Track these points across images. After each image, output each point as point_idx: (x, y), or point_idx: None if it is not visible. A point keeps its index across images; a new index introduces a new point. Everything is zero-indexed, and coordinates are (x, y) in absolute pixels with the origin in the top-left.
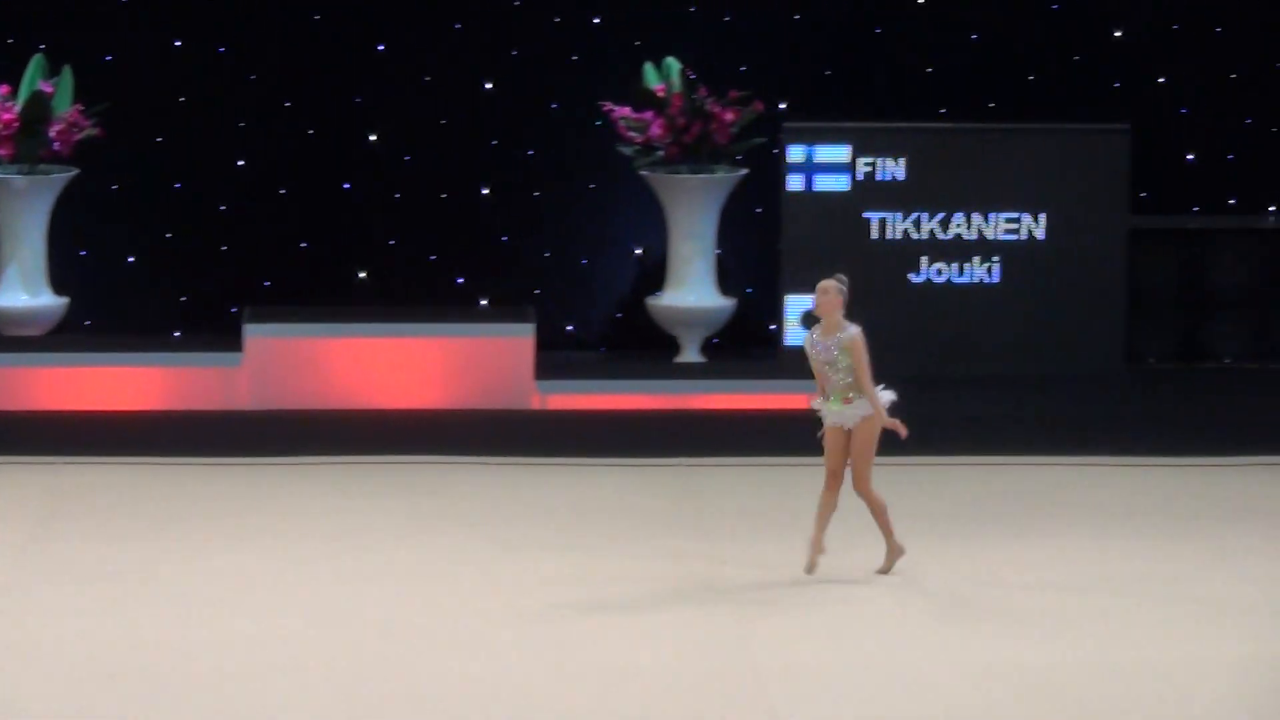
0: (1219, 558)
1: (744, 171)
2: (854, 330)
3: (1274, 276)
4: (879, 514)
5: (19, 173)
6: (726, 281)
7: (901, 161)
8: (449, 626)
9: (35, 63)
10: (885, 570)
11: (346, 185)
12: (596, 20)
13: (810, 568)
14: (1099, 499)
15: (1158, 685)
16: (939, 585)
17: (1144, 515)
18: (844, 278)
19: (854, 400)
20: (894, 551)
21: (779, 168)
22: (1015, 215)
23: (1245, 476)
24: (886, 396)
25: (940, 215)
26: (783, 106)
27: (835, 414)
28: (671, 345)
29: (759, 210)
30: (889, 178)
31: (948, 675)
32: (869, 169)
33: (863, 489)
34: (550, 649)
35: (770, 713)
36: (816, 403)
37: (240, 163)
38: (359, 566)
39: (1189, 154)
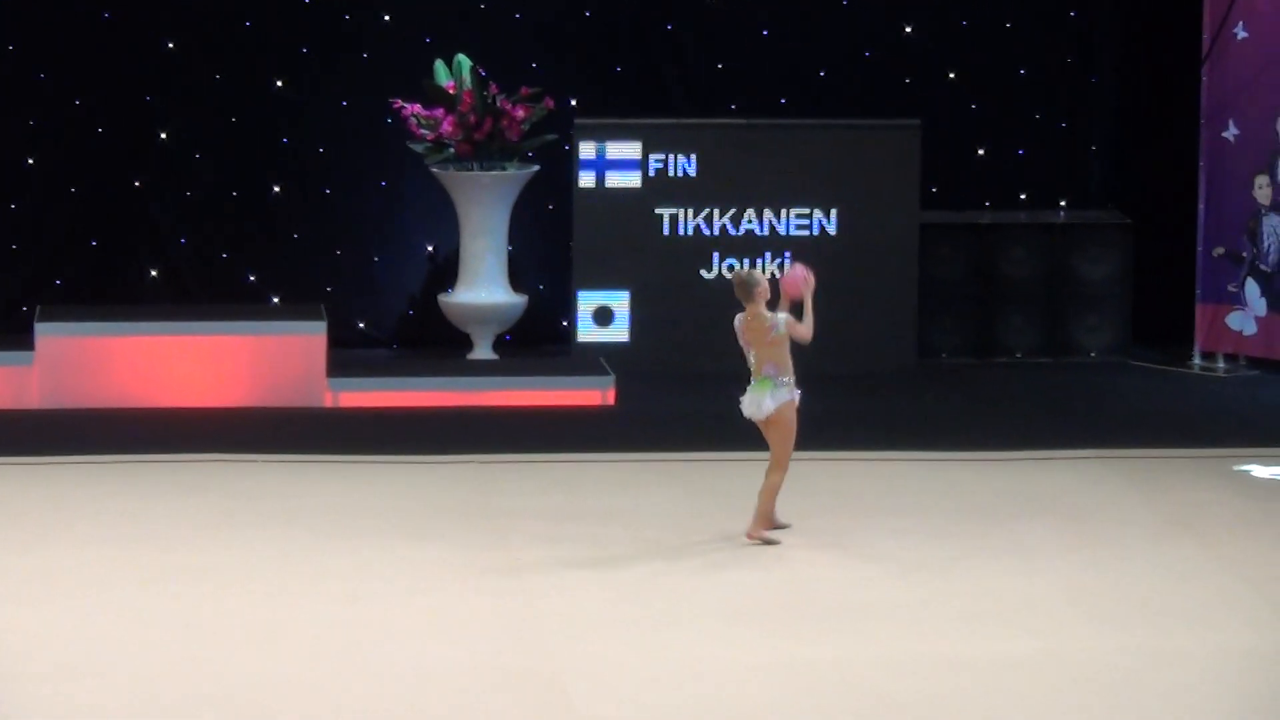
0: (1015, 552)
1: (535, 168)
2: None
3: (1065, 271)
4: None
5: None
6: (518, 278)
7: (693, 158)
8: (244, 625)
9: None
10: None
11: (137, 183)
12: (387, 18)
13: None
14: (894, 495)
15: (954, 680)
16: (737, 581)
17: (940, 511)
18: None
19: (775, 385)
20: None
21: (570, 164)
22: (806, 211)
23: (1038, 470)
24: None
25: (732, 211)
26: (574, 103)
27: (748, 403)
28: (464, 342)
29: (551, 207)
30: (680, 174)
31: (741, 670)
32: (660, 165)
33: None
34: (345, 647)
35: (567, 708)
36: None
37: (30, 161)
38: (154, 566)
39: (979, 149)
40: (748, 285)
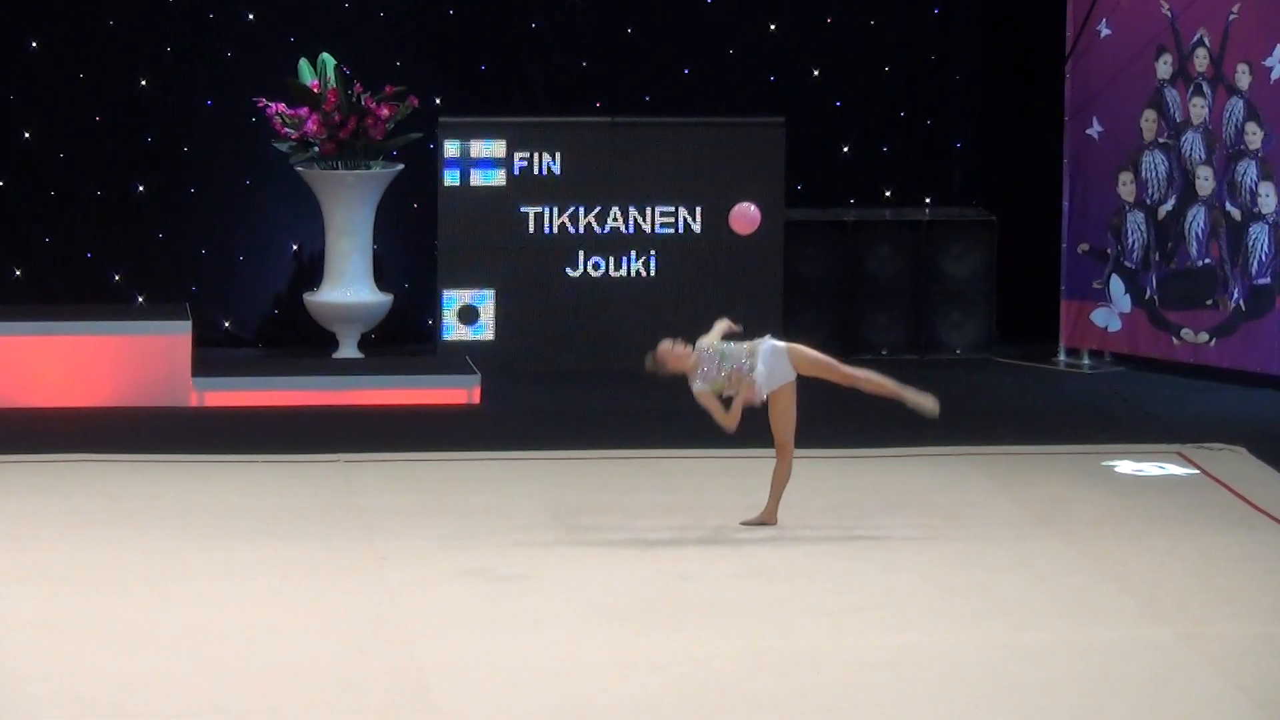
0: (878, 548)
1: (400, 167)
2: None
3: (930, 268)
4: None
5: None
6: (383, 277)
7: (557, 156)
8: (107, 624)
9: None
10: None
11: (0, 183)
12: (251, 16)
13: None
14: (758, 492)
15: (815, 676)
16: (601, 579)
17: (804, 508)
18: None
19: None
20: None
21: (435, 163)
22: (671, 209)
23: (902, 468)
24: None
25: (597, 209)
26: (438, 101)
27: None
28: (329, 341)
29: (415, 205)
30: (545, 172)
31: (603, 667)
32: (525, 164)
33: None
34: (208, 645)
35: (432, 708)
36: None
37: None
38: (15, 565)
39: (844, 147)
40: (660, 363)
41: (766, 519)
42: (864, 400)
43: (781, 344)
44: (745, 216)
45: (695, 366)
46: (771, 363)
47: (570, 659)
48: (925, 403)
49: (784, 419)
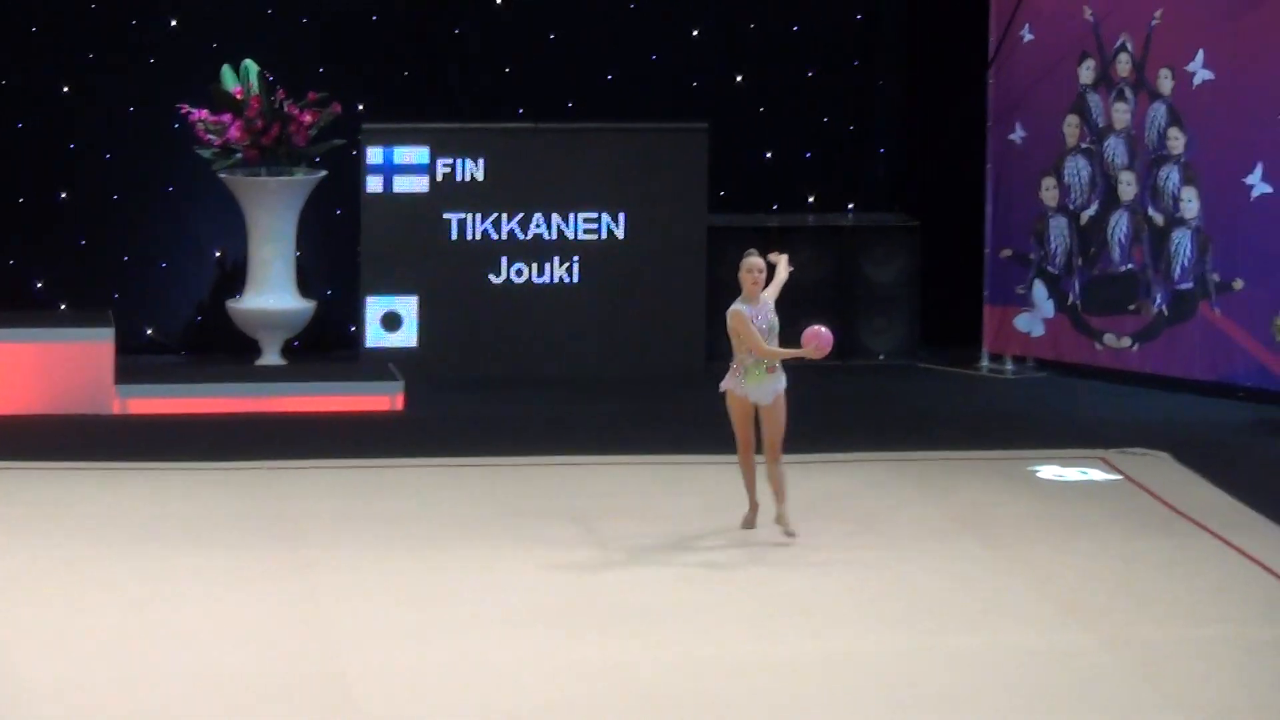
0: (802, 554)
1: (323, 173)
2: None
3: (853, 274)
4: (779, 483)
5: None
6: (306, 284)
7: (480, 162)
8: (30, 632)
9: None
10: (786, 528)
11: None
12: (174, 23)
13: (747, 523)
14: (682, 497)
15: (741, 682)
16: (524, 584)
17: (728, 513)
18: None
19: (777, 370)
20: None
21: (358, 169)
22: (595, 215)
23: (826, 473)
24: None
25: (520, 215)
26: (361, 108)
27: (756, 390)
28: (252, 348)
29: (339, 212)
30: (468, 178)
31: (527, 673)
32: (448, 169)
33: (776, 459)
34: (132, 652)
35: (358, 715)
36: (731, 383)
37: None
38: None
39: (767, 152)
40: (751, 267)
41: (785, 525)
42: (790, 406)
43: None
44: (819, 338)
45: (757, 302)
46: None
47: (496, 666)
48: (790, 526)
49: (779, 424)
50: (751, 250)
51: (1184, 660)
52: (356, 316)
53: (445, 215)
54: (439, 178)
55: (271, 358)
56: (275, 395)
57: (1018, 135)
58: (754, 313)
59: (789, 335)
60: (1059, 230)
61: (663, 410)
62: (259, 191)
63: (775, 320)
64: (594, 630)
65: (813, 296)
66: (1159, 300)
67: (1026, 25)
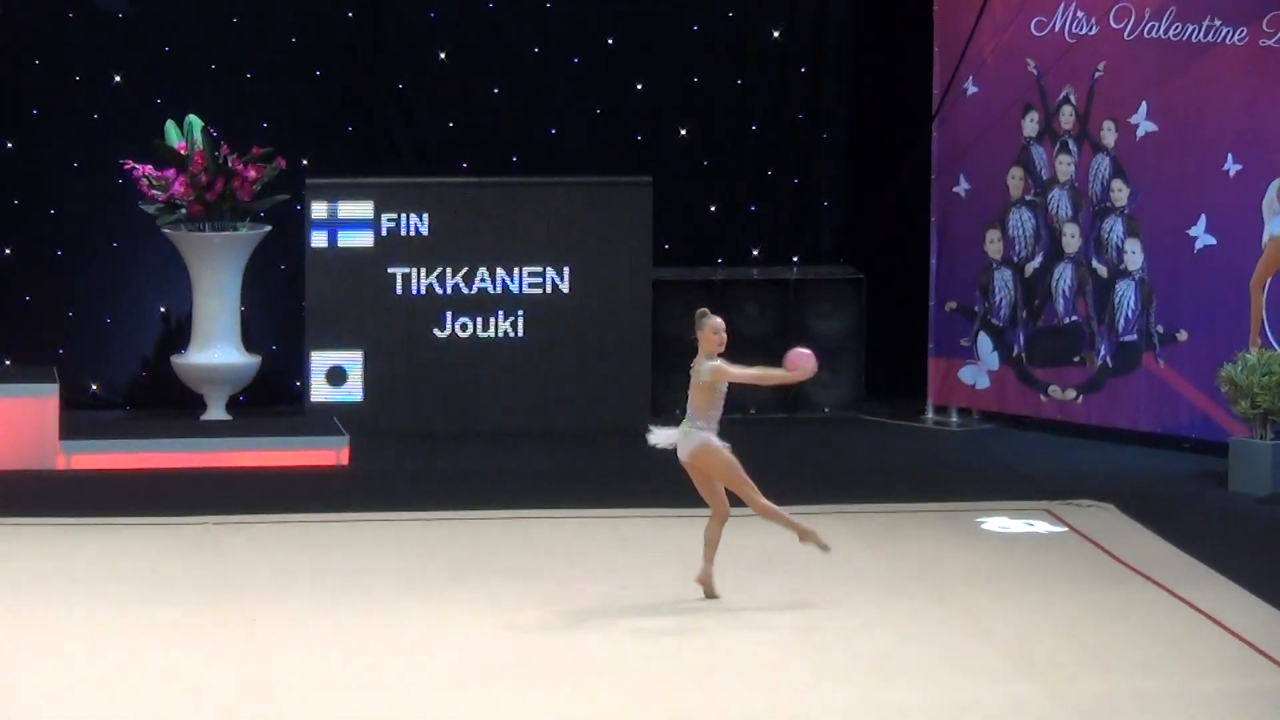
0: (745, 608)
1: (267, 228)
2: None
3: (798, 326)
4: (780, 518)
5: None
6: (251, 339)
7: (425, 217)
8: None
9: None
10: (818, 543)
11: None
12: (117, 78)
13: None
14: (624, 551)
15: None
16: (467, 641)
17: (669, 567)
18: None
19: (690, 430)
20: (806, 534)
21: (303, 224)
22: (539, 269)
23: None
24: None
25: (464, 270)
26: (305, 163)
27: (667, 440)
28: (197, 403)
29: (283, 267)
30: (413, 233)
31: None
32: (392, 225)
33: (758, 509)
34: (73, 709)
35: None
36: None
37: None
38: None
39: (711, 206)
40: (698, 322)
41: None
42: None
43: (703, 441)
44: (801, 361)
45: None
46: (682, 438)
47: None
48: (820, 541)
49: (723, 473)
50: (705, 310)
51: (1130, 712)
52: (301, 371)
53: (390, 270)
54: (383, 232)
55: (216, 413)
56: (220, 450)
57: (962, 188)
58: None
59: (730, 395)
60: (1003, 282)
61: (607, 464)
62: (203, 246)
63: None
64: (540, 685)
65: (758, 349)
66: (1103, 352)
67: (970, 78)
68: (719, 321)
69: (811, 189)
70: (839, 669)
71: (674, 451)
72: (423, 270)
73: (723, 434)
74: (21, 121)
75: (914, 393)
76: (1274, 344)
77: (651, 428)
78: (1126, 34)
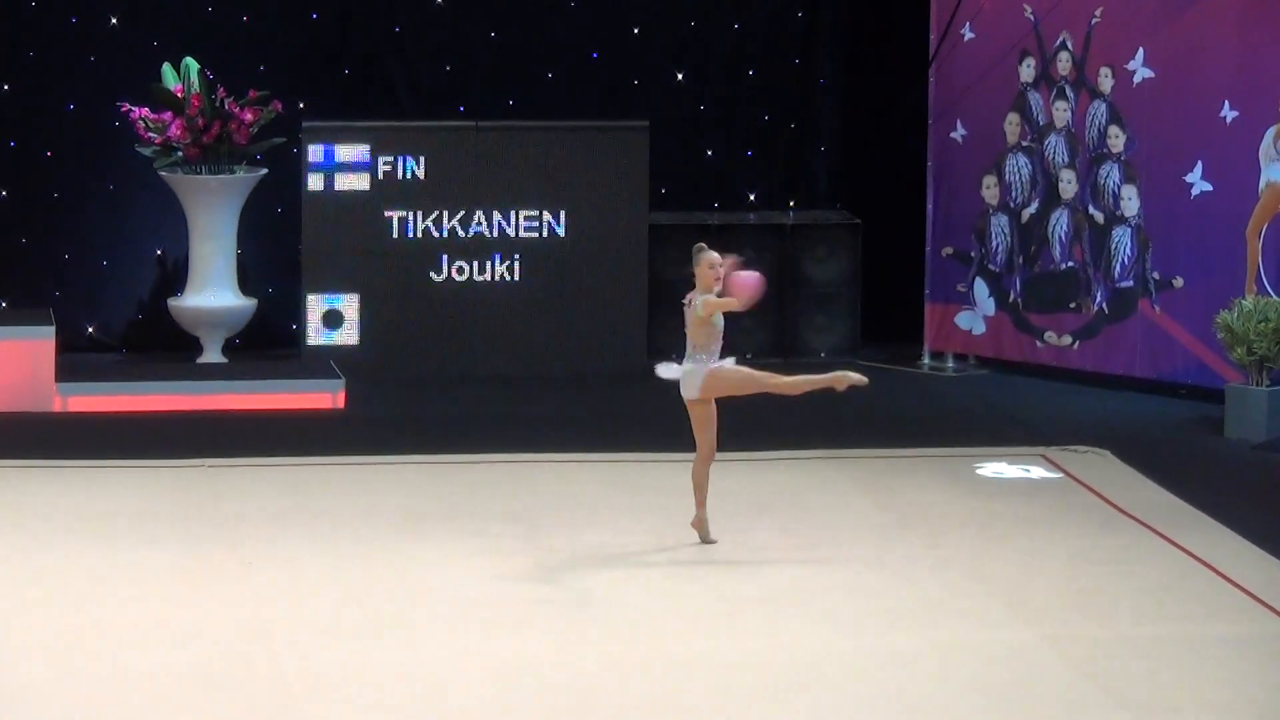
0: (741, 552)
1: (264, 171)
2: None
3: (794, 272)
4: (808, 384)
5: None
6: (247, 282)
7: (421, 160)
8: None
9: None
10: (854, 382)
11: None
12: (114, 21)
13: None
14: (622, 495)
15: (681, 680)
16: (466, 582)
17: (667, 511)
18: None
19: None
20: (840, 380)
21: (299, 167)
22: (535, 213)
23: (766, 471)
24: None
25: (460, 213)
26: (301, 106)
27: (673, 374)
28: (193, 346)
29: (279, 210)
30: (409, 176)
31: (469, 671)
32: (389, 168)
33: (787, 387)
34: (70, 652)
35: (294, 711)
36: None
37: None
38: None
39: (708, 150)
40: (695, 256)
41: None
42: (724, 403)
43: (708, 370)
44: (745, 284)
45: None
46: (685, 375)
47: (436, 663)
48: (854, 378)
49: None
50: (703, 245)
51: (1127, 658)
52: (298, 314)
53: (386, 213)
54: (380, 176)
55: (212, 356)
56: (216, 393)
57: (958, 133)
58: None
59: (726, 340)
60: (1000, 228)
61: (604, 408)
62: (200, 190)
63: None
64: (537, 628)
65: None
66: (1099, 298)
67: (967, 23)
68: (715, 256)
69: (808, 134)
70: (836, 614)
71: (675, 393)
72: (419, 213)
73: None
74: (18, 64)
75: (910, 338)
76: (1270, 290)
77: (659, 363)
78: None
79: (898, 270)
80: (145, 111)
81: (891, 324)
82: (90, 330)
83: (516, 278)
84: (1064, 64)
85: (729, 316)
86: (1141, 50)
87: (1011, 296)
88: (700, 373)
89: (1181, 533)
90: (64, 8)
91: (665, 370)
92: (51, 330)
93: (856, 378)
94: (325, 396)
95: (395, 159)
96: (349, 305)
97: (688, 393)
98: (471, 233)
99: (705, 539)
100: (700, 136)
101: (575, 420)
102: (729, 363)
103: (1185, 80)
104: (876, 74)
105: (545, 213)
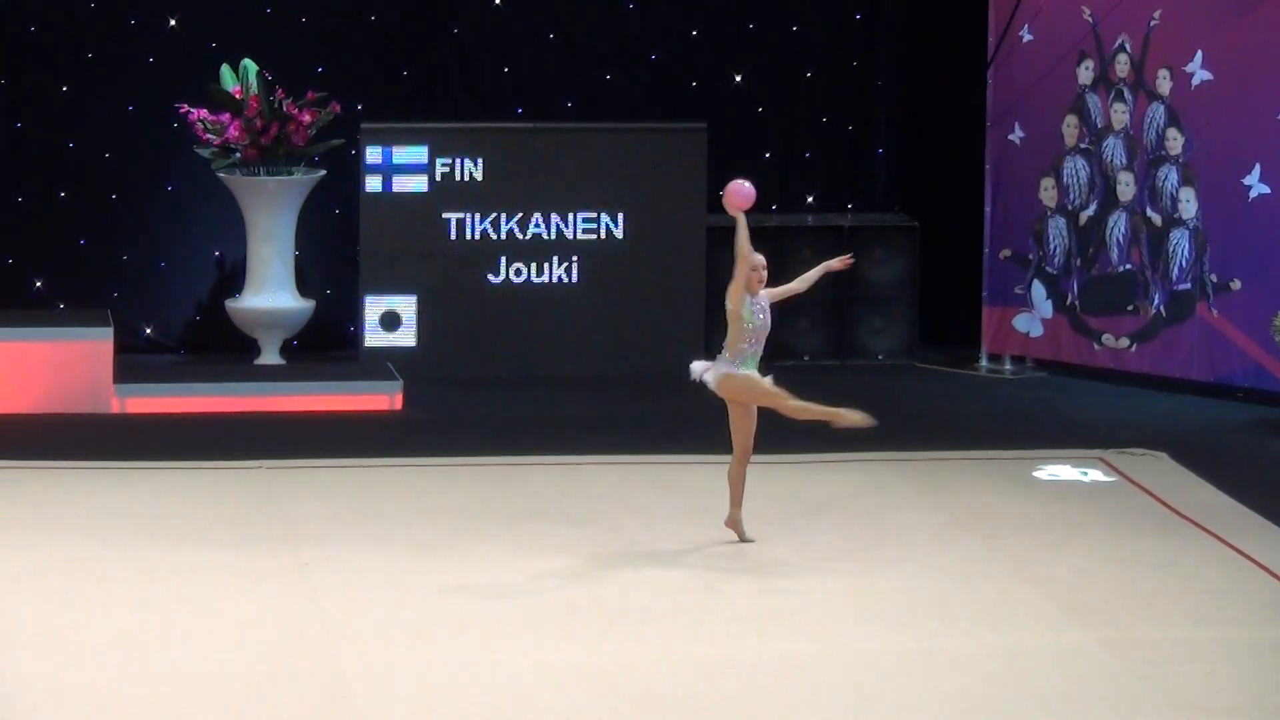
0: (800, 553)
1: (322, 173)
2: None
3: (852, 274)
4: (814, 413)
5: None
6: (305, 283)
7: (479, 162)
8: (24, 630)
9: None
10: (855, 422)
11: None
12: (173, 22)
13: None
14: (682, 497)
15: (736, 681)
16: (523, 584)
17: (718, 512)
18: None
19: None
20: (841, 416)
21: (357, 169)
22: (593, 215)
23: (825, 473)
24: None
25: (519, 215)
26: (360, 107)
27: (700, 372)
28: (251, 347)
29: (337, 211)
30: (467, 178)
31: (525, 673)
32: (447, 169)
33: (792, 410)
34: (131, 652)
35: (354, 711)
36: (727, 367)
37: None
38: None
39: (766, 152)
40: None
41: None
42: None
43: (720, 373)
44: (740, 194)
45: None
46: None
47: (495, 666)
48: (856, 419)
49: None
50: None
51: (1183, 660)
52: (355, 316)
53: (444, 215)
54: (438, 177)
55: (270, 357)
56: (274, 395)
57: (1016, 135)
58: (753, 303)
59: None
60: (1057, 231)
61: (662, 410)
62: (258, 191)
63: (768, 321)
64: (594, 631)
65: (811, 296)
66: (1157, 301)
67: (1026, 25)
68: (759, 259)
69: (866, 136)
70: (890, 616)
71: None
72: (477, 215)
73: (781, 382)
74: (77, 65)
75: (968, 341)
76: None
77: (693, 363)
78: None
79: (955, 272)
80: (204, 113)
81: (949, 326)
82: (148, 331)
83: (574, 280)
84: (1122, 66)
85: (780, 318)
86: (1200, 53)
87: (1069, 299)
88: (716, 373)
89: (1238, 536)
90: (123, 9)
91: (695, 368)
92: (109, 331)
93: (860, 418)
94: (382, 398)
95: (453, 160)
96: (406, 307)
97: (711, 387)
98: (529, 234)
99: (742, 538)
100: (758, 138)
101: (632, 422)
102: (751, 371)
103: (1244, 83)
104: (935, 76)
105: (603, 214)
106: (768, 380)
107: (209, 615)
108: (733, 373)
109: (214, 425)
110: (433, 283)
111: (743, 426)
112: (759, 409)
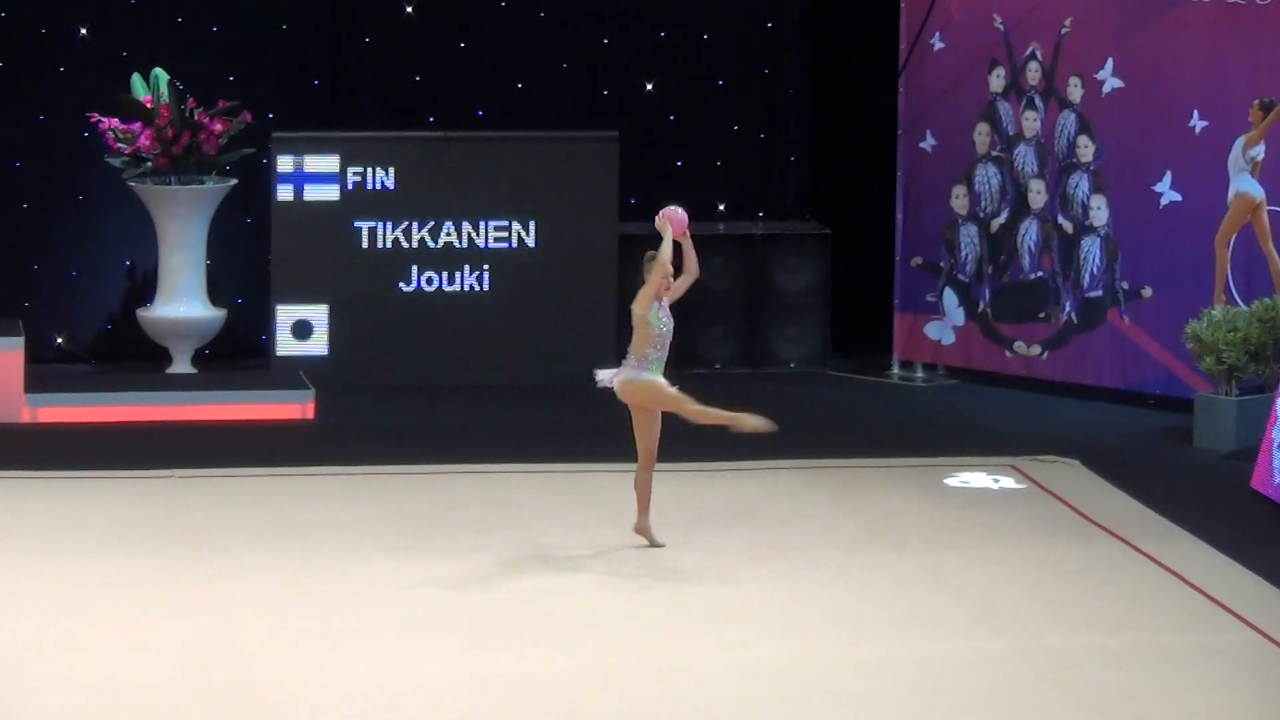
0: (711, 563)
1: (233, 182)
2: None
3: (764, 282)
4: (714, 417)
5: None
6: (217, 292)
7: (391, 171)
8: None
9: None
10: (755, 426)
11: None
12: (84, 31)
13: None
14: (591, 507)
15: (650, 691)
16: (436, 594)
17: (630, 520)
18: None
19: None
20: (741, 420)
21: (268, 178)
22: (505, 223)
23: (735, 481)
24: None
25: (430, 224)
26: (271, 116)
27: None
28: (163, 356)
29: (249, 220)
30: (379, 187)
31: (439, 684)
32: (358, 178)
33: (692, 414)
34: (36, 660)
35: None
36: (632, 374)
37: None
38: None
39: (678, 160)
40: (646, 265)
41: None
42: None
43: (624, 377)
44: (679, 221)
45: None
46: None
47: (406, 676)
48: (756, 424)
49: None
50: (654, 253)
51: (1096, 667)
52: (267, 325)
53: (356, 224)
54: (349, 186)
55: (182, 366)
56: (186, 404)
57: (928, 143)
58: (659, 309)
59: (687, 349)
60: (969, 238)
61: (573, 418)
62: (169, 200)
63: (672, 325)
64: (505, 639)
65: (723, 304)
66: (1068, 308)
67: (937, 33)
68: (670, 267)
69: (777, 144)
70: (806, 624)
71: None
72: (389, 224)
73: (688, 389)
74: None
75: (879, 348)
76: (1239, 300)
77: (598, 370)
78: None
79: (867, 280)
80: (115, 122)
81: (861, 334)
82: (59, 341)
83: (486, 288)
84: (1034, 74)
85: (692, 326)
86: (1111, 60)
87: (981, 306)
88: (620, 376)
89: (1150, 542)
90: (33, 18)
91: (600, 376)
92: (20, 341)
93: (760, 423)
94: (295, 407)
95: (365, 169)
96: (318, 316)
97: (617, 392)
98: (441, 243)
99: (652, 543)
100: (670, 146)
101: (545, 430)
102: (655, 377)
103: (1154, 90)
104: (846, 84)
105: (515, 223)
106: (671, 385)
107: (119, 625)
108: (635, 378)
109: (125, 434)
110: (344, 291)
111: (647, 432)
112: (663, 415)
